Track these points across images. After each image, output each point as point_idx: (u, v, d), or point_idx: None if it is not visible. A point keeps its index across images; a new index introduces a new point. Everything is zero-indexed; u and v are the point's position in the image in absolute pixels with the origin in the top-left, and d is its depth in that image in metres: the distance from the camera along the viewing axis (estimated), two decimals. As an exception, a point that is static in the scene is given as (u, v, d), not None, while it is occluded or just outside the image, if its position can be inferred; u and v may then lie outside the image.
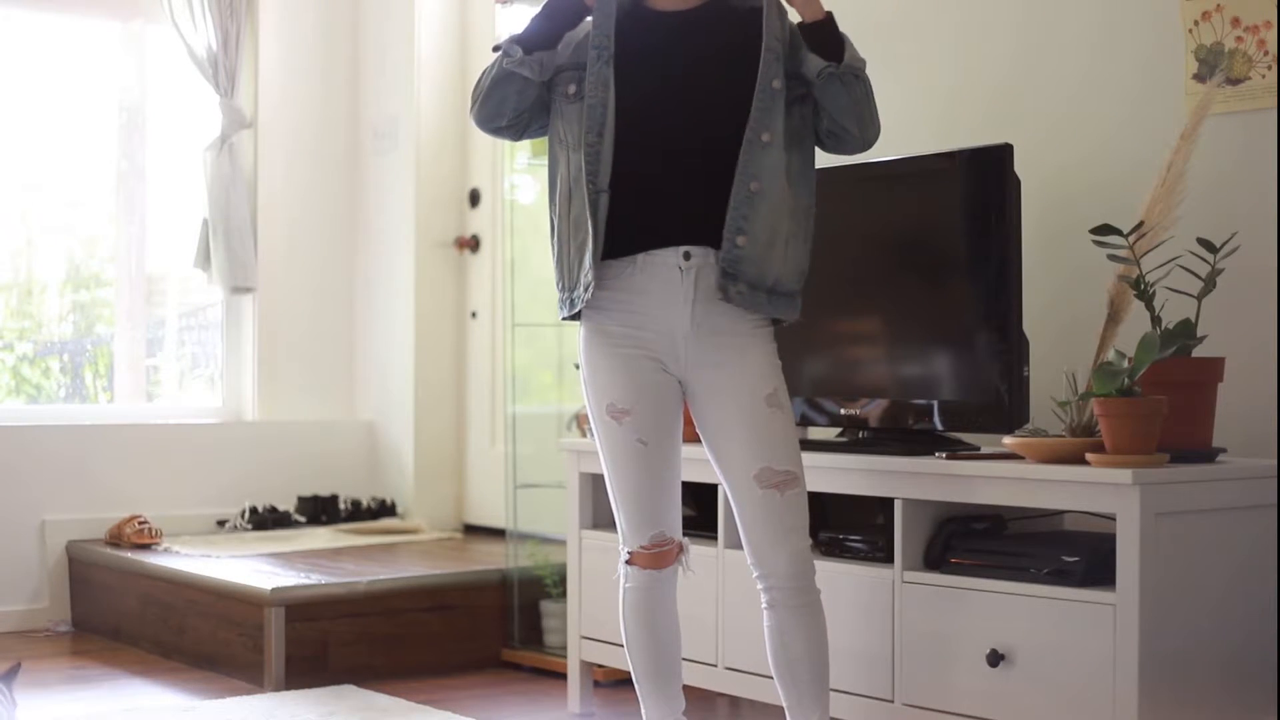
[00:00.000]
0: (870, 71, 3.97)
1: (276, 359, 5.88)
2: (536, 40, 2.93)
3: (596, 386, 2.97)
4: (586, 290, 2.89)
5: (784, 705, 3.00)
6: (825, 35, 2.91)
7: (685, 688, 3.16)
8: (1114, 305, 3.19)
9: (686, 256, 2.88)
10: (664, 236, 2.89)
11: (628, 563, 3.04)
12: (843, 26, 4.19)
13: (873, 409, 3.51)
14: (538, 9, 2.97)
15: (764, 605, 2.97)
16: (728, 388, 2.92)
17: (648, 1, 2.99)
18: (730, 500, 2.99)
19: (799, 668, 2.95)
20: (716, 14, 2.97)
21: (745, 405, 2.91)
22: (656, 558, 3.01)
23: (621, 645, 3.15)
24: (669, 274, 2.89)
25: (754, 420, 2.91)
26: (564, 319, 3.02)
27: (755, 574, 2.97)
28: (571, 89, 2.94)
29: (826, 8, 2.96)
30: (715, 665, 3.62)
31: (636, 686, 3.12)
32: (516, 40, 2.94)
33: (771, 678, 3.03)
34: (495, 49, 2.97)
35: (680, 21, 2.97)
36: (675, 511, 3.03)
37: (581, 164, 2.90)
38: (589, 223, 2.88)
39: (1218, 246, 3.01)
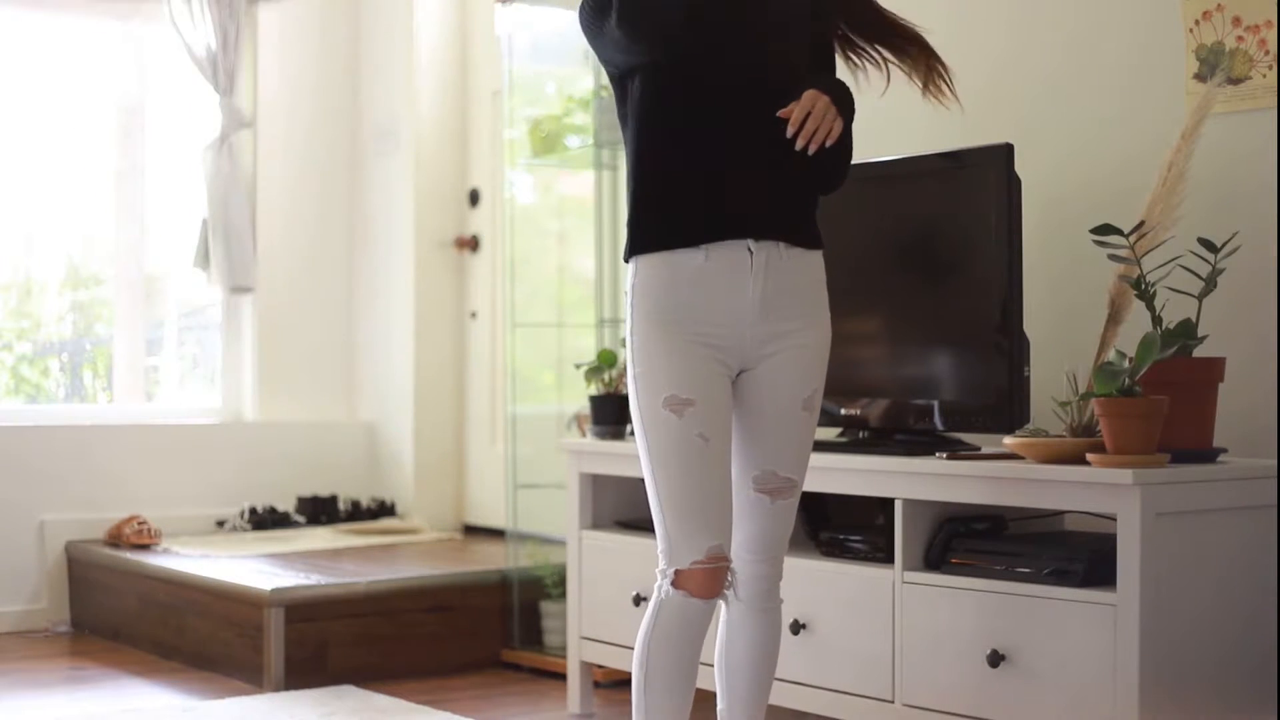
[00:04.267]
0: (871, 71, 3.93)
1: (276, 359, 5.88)
2: None
3: (653, 378, 2.65)
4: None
5: (719, 705, 2.85)
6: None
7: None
8: (1115, 305, 3.19)
9: (757, 239, 2.68)
10: (734, 227, 2.67)
11: (674, 584, 2.62)
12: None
13: (873, 409, 3.51)
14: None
15: (727, 599, 2.79)
16: (773, 381, 2.71)
17: None
18: None
19: (736, 676, 2.80)
20: None
21: (782, 404, 2.72)
22: (712, 577, 2.62)
23: (621, 646, 3.12)
24: (738, 256, 2.66)
25: (783, 421, 2.72)
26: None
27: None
28: None
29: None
30: (715, 665, 3.61)
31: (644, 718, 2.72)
32: None
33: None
34: None
35: None
36: (729, 526, 2.69)
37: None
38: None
39: (1218, 246, 3.01)
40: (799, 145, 2.64)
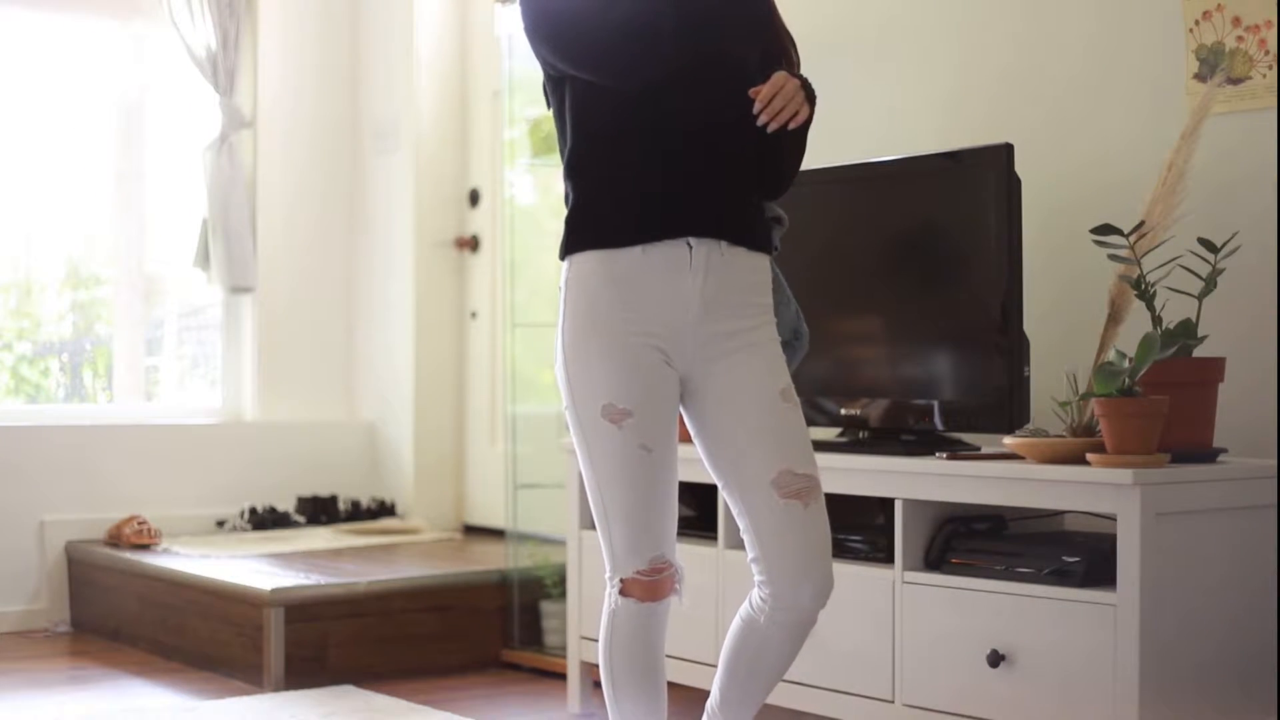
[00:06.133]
0: (871, 71, 3.95)
1: (276, 359, 5.88)
2: None
3: (589, 383, 2.54)
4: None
5: (717, 686, 2.72)
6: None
7: (684, 688, 3.13)
8: (1115, 305, 3.19)
9: (698, 236, 2.56)
10: (673, 225, 2.55)
11: (621, 593, 2.58)
12: (843, 25, 4.19)
13: (873, 409, 3.51)
14: None
15: (758, 609, 2.59)
16: (741, 380, 2.57)
17: None
18: (741, 513, 2.57)
19: (754, 682, 2.65)
20: None
21: (762, 400, 2.55)
22: (654, 586, 2.56)
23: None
24: (677, 253, 2.55)
25: (771, 417, 2.55)
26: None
27: (765, 592, 2.56)
28: None
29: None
30: (714, 666, 3.61)
31: None
32: None
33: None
34: None
35: None
36: (674, 530, 2.60)
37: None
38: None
39: (1218, 246, 3.01)
40: (762, 122, 2.54)
